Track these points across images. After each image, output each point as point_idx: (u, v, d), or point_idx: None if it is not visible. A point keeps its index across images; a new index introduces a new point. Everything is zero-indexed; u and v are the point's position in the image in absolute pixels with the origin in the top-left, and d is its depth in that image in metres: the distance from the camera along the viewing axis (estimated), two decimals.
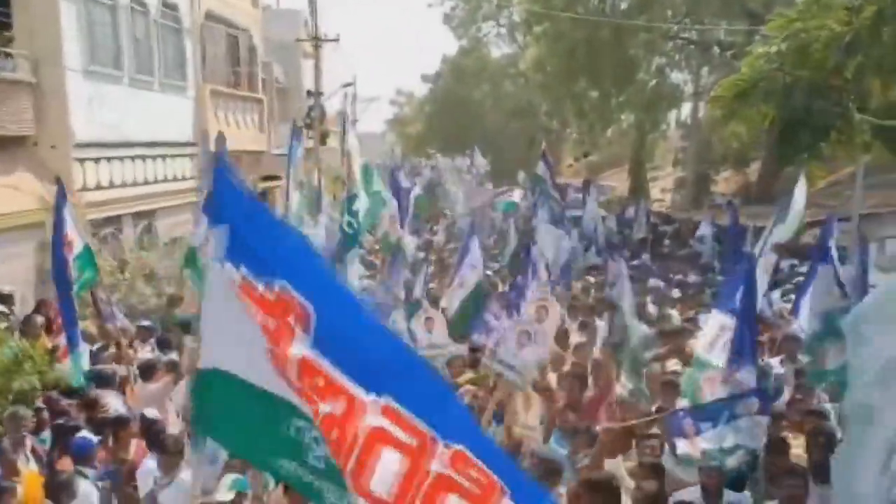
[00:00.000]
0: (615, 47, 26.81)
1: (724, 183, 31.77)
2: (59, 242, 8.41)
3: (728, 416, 6.03)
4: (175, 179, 17.84)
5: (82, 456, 6.21)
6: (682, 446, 5.98)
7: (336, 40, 28.16)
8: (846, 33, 5.47)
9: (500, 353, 7.00)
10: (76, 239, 8.99)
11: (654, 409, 7.16)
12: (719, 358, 6.63)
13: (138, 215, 16.20)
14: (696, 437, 5.99)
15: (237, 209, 3.17)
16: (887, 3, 5.29)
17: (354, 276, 8.70)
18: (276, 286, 3.07)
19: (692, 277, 16.52)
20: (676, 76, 32.72)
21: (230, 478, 5.66)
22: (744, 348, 6.32)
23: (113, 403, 7.63)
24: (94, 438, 6.42)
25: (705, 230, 20.94)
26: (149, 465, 6.23)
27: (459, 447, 2.99)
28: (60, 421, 6.99)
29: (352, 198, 12.67)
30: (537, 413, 6.63)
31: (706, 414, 6.11)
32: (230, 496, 5.48)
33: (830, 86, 5.85)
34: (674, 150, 38.78)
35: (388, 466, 2.99)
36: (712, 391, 6.61)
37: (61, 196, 8.61)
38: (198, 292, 10.65)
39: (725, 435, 5.96)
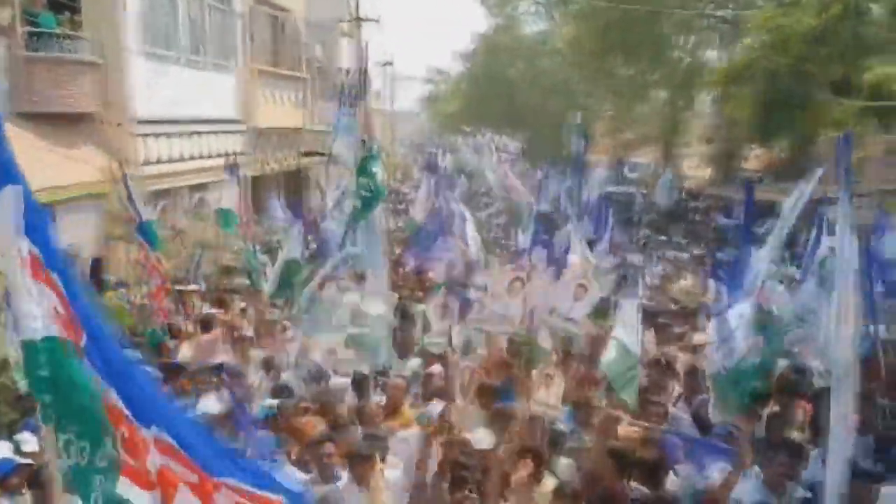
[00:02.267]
0: (649, 26, 27.29)
1: (755, 160, 32.15)
2: None
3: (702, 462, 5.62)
4: (224, 154, 18.88)
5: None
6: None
7: (377, 20, 28.96)
8: (817, 27, 6.20)
9: (559, 308, 7.13)
10: (141, 211, 10.13)
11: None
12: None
13: (192, 188, 17.26)
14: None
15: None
16: (850, 2, 6.01)
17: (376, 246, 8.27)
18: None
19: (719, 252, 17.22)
20: (710, 54, 33.06)
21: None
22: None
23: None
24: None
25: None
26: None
27: (229, 480, 3.01)
28: None
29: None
30: (558, 392, 6.39)
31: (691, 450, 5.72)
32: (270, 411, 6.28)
33: (806, 72, 6.59)
34: (704, 127, 39.13)
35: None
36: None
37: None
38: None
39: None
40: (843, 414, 4.40)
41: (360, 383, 7.27)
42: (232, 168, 12.41)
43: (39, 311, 2.99)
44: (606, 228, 13.83)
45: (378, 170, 8.30)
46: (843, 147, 4.54)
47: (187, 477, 3.01)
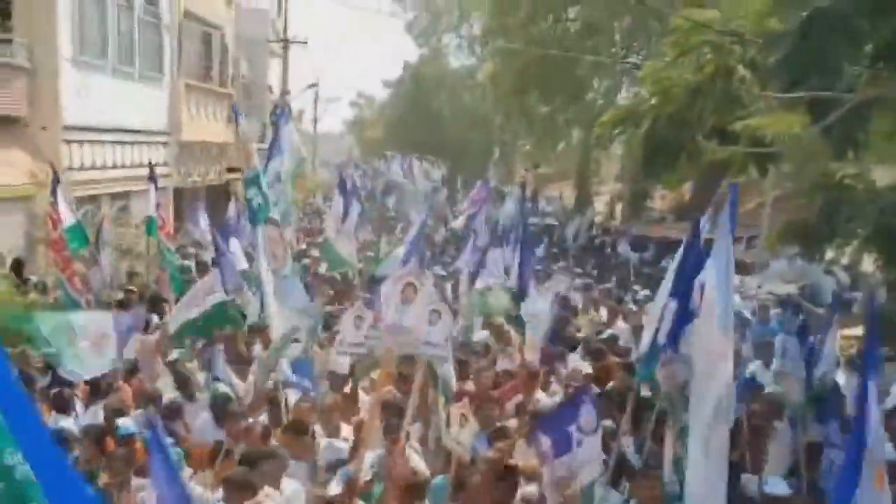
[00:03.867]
0: (565, 68, 28.70)
1: (661, 199, 33.96)
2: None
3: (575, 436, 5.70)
4: (148, 165, 19.05)
5: None
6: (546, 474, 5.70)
7: (304, 42, 29.64)
8: (693, 83, 7.25)
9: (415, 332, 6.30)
10: (67, 214, 10.44)
11: None
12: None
13: (115, 196, 17.45)
14: (555, 461, 5.68)
15: None
16: (720, 63, 7.08)
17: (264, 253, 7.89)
18: None
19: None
20: (622, 97, 34.80)
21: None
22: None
23: None
24: None
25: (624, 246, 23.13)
26: None
27: None
28: None
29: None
30: (472, 432, 6.11)
31: (555, 430, 5.76)
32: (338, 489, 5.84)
33: (684, 120, 7.64)
34: (616, 166, 41.00)
35: None
36: None
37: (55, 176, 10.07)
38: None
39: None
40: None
41: (272, 400, 7.44)
42: (152, 177, 12.73)
43: None
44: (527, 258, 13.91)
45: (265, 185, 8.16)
46: (731, 194, 4.91)
47: None
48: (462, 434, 6.01)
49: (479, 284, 10.85)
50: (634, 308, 13.80)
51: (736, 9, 7.38)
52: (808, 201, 11.06)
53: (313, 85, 35.19)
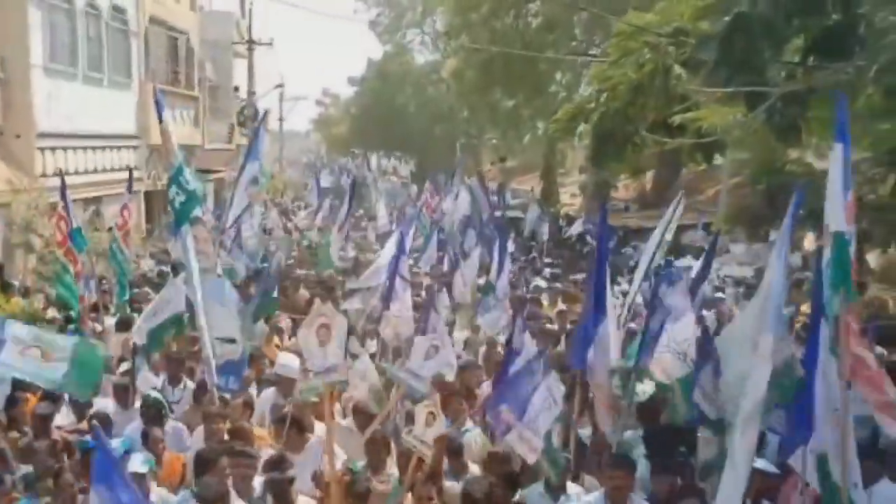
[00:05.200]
0: (527, 62, 29.31)
1: (624, 189, 34.78)
2: None
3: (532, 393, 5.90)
4: (120, 169, 19.44)
5: None
6: (513, 439, 5.82)
7: (269, 44, 29.87)
8: (635, 80, 7.92)
9: (410, 363, 6.79)
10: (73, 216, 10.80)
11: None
12: None
13: (88, 201, 17.77)
14: (519, 423, 5.84)
15: None
16: (658, 62, 7.73)
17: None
18: None
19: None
20: (585, 89, 35.54)
21: (141, 455, 5.91)
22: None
23: None
24: None
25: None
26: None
27: None
28: None
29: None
30: (437, 433, 5.95)
31: (514, 394, 5.94)
32: (144, 468, 5.70)
33: (628, 114, 8.31)
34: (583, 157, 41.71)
35: None
36: None
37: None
38: None
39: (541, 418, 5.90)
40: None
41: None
42: (130, 183, 13.07)
43: None
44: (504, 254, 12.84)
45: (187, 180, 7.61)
46: (796, 198, 4.87)
47: None
48: (428, 433, 5.86)
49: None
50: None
51: (672, 12, 8.03)
52: (754, 187, 11.76)
53: (279, 86, 35.36)
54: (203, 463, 5.63)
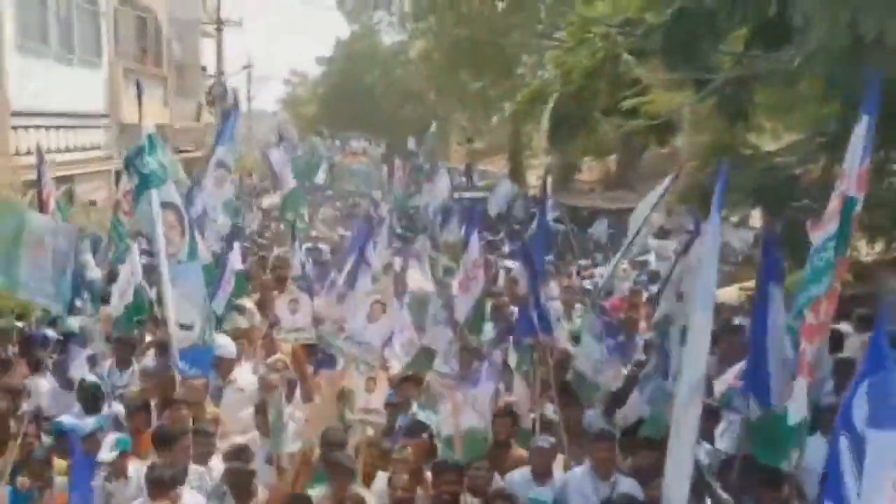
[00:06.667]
0: (494, 44, 29.80)
1: (588, 171, 35.48)
2: None
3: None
4: (91, 148, 19.67)
5: None
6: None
7: (239, 24, 29.99)
8: (588, 66, 8.52)
9: (350, 328, 6.22)
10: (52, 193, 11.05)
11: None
12: None
13: (60, 179, 17.96)
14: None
15: None
16: (609, 50, 8.34)
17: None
18: None
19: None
20: (550, 72, 36.09)
21: (113, 437, 5.94)
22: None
23: None
24: None
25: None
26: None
27: None
28: None
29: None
30: (383, 393, 5.86)
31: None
32: (112, 456, 5.74)
33: (582, 98, 8.92)
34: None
35: None
36: None
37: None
38: None
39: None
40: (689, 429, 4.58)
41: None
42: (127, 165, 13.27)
43: None
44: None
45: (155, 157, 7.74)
46: (720, 176, 4.97)
47: None
48: (372, 399, 5.80)
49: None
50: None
51: (621, 4, 8.62)
52: (703, 168, 12.41)
53: (247, 66, 35.49)
54: (164, 441, 5.79)
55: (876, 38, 5.35)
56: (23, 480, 5.76)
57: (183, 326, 7.22)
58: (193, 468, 5.77)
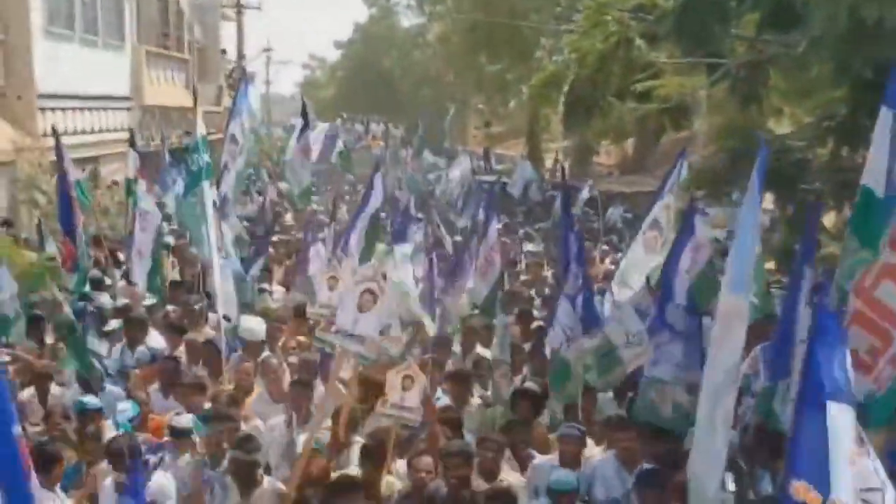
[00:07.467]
0: (512, 28, 29.90)
1: (606, 155, 35.57)
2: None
3: None
4: (116, 130, 20.07)
5: None
6: None
7: (258, 8, 30.24)
8: (602, 51, 8.73)
9: (339, 321, 5.74)
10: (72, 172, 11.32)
11: None
12: None
13: (86, 160, 18.40)
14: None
15: None
16: (622, 34, 8.54)
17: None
18: None
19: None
20: (566, 56, 36.03)
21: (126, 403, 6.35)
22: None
23: None
24: None
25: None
26: None
27: None
28: None
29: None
30: (419, 391, 5.65)
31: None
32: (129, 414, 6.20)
33: (596, 82, 9.12)
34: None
35: None
36: None
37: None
38: None
39: None
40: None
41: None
42: (132, 143, 13.73)
43: None
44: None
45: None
46: (760, 159, 4.51)
47: None
48: (408, 397, 5.64)
49: None
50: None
51: None
52: (718, 151, 12.57)
53: (267, 49, 35.77)
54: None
55: (877, 23, 5.52)
56: (70, 454, 5.77)
57: (225, 318, 7.69)
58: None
